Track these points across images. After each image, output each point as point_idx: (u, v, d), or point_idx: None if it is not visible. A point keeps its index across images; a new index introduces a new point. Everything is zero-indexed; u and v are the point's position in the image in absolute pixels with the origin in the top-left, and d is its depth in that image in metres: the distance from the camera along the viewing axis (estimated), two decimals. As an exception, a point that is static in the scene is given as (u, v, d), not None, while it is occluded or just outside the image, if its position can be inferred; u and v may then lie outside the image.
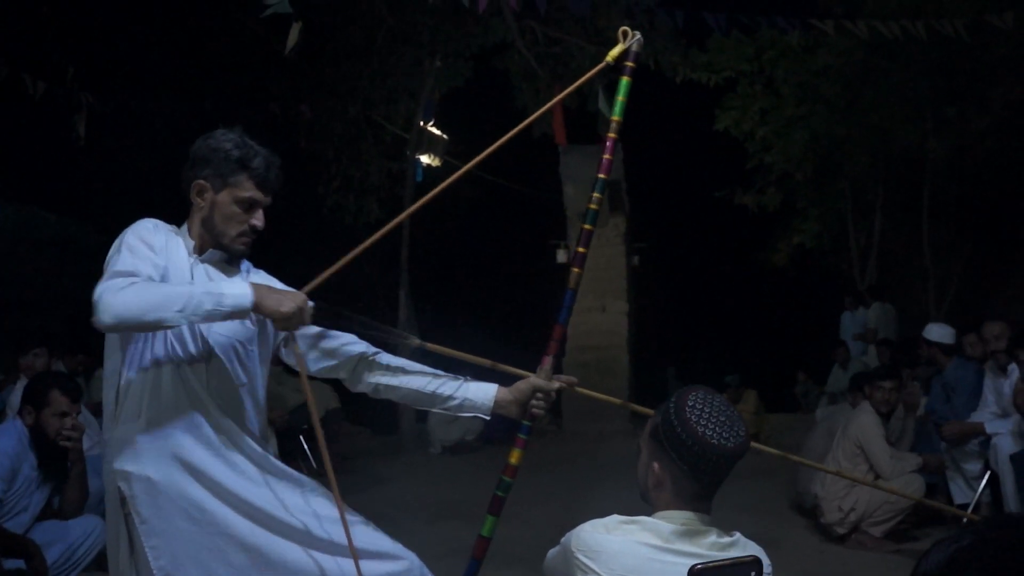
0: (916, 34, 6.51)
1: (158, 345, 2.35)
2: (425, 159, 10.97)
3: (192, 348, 2.37)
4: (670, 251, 17.80)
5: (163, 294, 2.19)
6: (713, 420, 1.82)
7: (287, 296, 2.32)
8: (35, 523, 4.11)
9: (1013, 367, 5.46)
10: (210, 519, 2.30)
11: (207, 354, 2.39)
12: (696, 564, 1.59)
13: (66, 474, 4.19)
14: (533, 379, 2.51)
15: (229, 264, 2.52)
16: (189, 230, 2.50)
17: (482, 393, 2.52)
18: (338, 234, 12.69)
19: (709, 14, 6.06)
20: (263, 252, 2.62)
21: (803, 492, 6.05)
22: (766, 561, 1.90)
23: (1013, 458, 5.20)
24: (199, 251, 2.48)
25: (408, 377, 2.53)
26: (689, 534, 1.86)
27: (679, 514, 1.88)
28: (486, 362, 2.58)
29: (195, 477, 2.31)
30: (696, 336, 19.15)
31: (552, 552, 1.99)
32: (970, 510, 5.53)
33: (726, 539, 1.89)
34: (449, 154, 11.88)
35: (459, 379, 2.55)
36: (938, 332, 6.48)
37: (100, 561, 4.75)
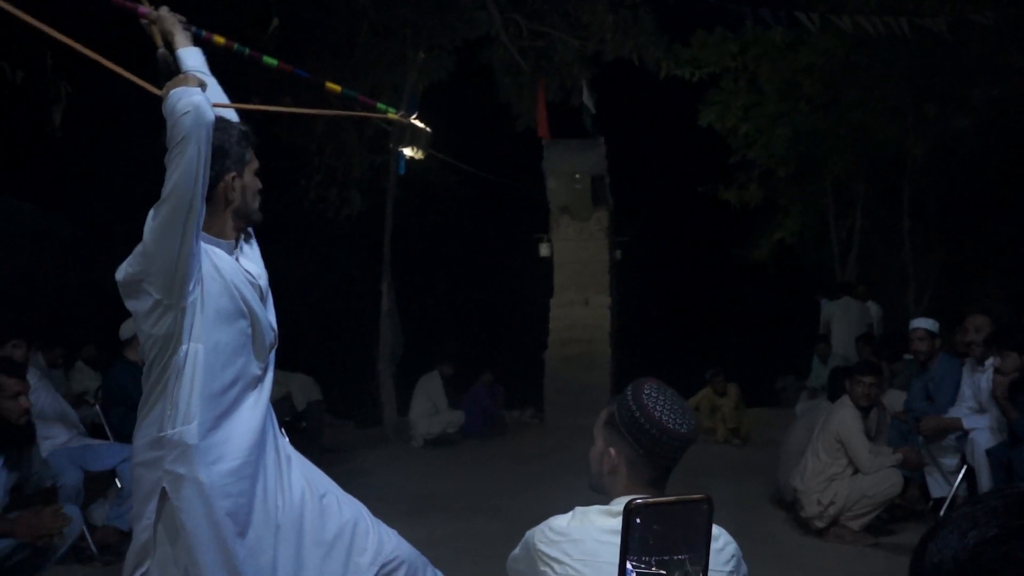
0: (898, 31, 6.55)
1: (231, 354, 2.32)
2: (408, 152, 10.92)
3: (267, 340, 2.41)
4: (653, 245, 17.86)
5: (180, 169, 2.16)
6: (668, 407, 1.91)
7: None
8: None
9: (990, 361, 5.51)
10: (254, 531, 2.32)
11: (274, 345, 2.45)
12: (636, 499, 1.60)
13: (28, 455, 4.16)
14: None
15: (244, 236, 2.52)
16: (221, 232, 2.41)
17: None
18: (320, 227, 12.62)
19: (697, 3, 6.08)
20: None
21: (783, 486, 6.09)
22: (733, 544, 1.92)
23: (989, 452, 5.26)
24: (236, 244, 2.45)
25: None
26: None
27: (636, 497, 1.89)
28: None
29: (246, 485, 2.31)
30: (678, 330, 19.21)
31: (514, 553, 2.01)
32: (946, 504, 5.59)
33: None
34: (432, 147, 11.83)
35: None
36: (922, 322, 6.47)
37: (76, 550, 4.71)
